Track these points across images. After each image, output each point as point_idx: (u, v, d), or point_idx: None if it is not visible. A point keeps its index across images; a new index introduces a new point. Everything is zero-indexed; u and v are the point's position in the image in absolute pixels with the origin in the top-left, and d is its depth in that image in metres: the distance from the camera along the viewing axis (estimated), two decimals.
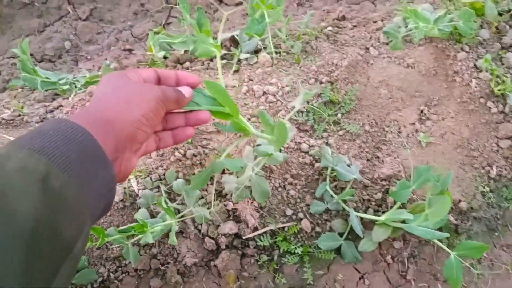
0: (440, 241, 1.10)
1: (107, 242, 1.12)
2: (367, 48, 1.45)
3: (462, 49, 1.34)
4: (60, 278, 0.39)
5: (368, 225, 1.16)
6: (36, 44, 1.98)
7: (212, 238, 1.12)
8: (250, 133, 0.82)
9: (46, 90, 1.62)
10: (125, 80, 0.60)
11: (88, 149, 0.47)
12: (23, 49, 1.55)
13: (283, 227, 1.15)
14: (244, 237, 1.13)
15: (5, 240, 0.35)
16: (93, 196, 0.47)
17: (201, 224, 1.13)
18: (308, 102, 1.29)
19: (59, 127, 0.46)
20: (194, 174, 1.16)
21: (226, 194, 1.15)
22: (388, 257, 1.15)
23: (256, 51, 1.50)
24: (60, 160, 0.42)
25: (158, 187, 1.15)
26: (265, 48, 1.48)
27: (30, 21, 2.06)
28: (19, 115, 1.40)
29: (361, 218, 1.15)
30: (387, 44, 1.45)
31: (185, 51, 1.59)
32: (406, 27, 1.41)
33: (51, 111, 1.41)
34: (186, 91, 0.66)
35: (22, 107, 1.43)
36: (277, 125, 0.80)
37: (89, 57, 1.97)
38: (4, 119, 1.38)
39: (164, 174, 1.16)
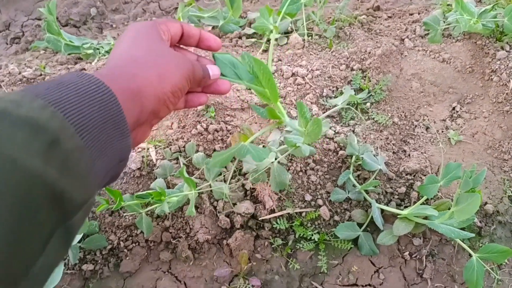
0: (462, 242, 1.07)
1: (120, 209, 1.09)
2: (402, 39, 1.41)
3: (502, 48, 1.29)
4: (53, 244, 0.35)
5: (388, 218, 1.12)
6: (62, 8, 1.95)
7: (227, 216, 1.09)
8: (284, 122, 0.78)
9: (69, 54, 1.60)
10: (157, 41, 0.54)
11: (110, 114, 0.41)
12: (50, 9, 1.52)
13: (301, 212, 1.12)
14: (260, 218, 1.09)
15: (1, 199, 0.30)
16: (105, 166, 0.42)
17: (217, 201, 1.10)
18: (337, 88, 1.25)
19: (81, 81, 0.41)
20: (214, 149, 1.13)
21: (246, 173, 1.12)
22: (406, 253, 1.11)
23: (287, 33, 1.46)
24: (77, 119, 0.37)
25: (177, 158, 1.12)
26: (296, 30, 1.44)
27: None
28: (41, 75, 1.38)
29: (382, 211, 1.11)
30: (423, 37, 1.41)
31: (214, 27, 1.56)
32: (445, 21, 1.36)
33: None
34: (213, 72, 0.61)
35: (44, 67, 1.40)
36: (313, 121, 0.77)
37: (114, 26, 1.94)
38: (25, 77, 1.36)
39: (184, 146, 1.13)
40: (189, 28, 0.61)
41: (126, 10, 1.99)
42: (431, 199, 1.13)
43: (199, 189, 1.03)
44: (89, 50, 1.54)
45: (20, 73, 1.37)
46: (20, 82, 1.34)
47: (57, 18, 1.92)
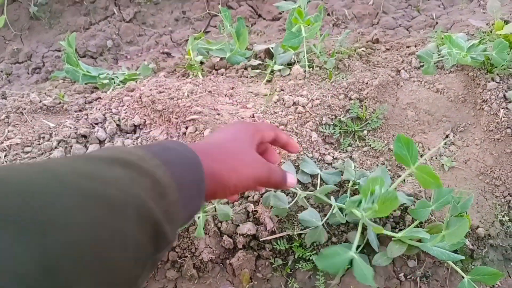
0: (455, 264, 1.11)
1: None
2: (399, 71, 1.49)
3: (492, 79, 1.36)
4: (145, 273, 0.45)
5: (384, 241, 1.17)
6: (80, 40, 2.08)
7: (230, 237, 1.16)
8: None
9: (86, 83, 1.71)
10: (248, 146, 0.66)
11: (197, 180, 0.52)
12: (69, 42, 1.64)
13: (300, 234, 1.18)
14: (261, 239, 1.16)
15: (134, 227, 0.40)
16: (183, 218, 0.52)
17: (221, 222, 1.17)
18: (336, 117, 1.33)
19: (182, 150, 0.53)
20: None
21: (248, 196, 1.19)
22: (401, 275, 1.16)
23: (289, 64, 1.55)
24: (178, 179, 0.48)
25: None
26: (298, 61, 1.53)
27: (77, 18, 2.17)
28: (60, 103, 1.47)
29: (378, 233, 1.17)
30: (418, 68, 1.48)
31: (221, 59, 1.66)
32: (438, 54, 1.44)
33: (90, 102, 1.48)
34: (290, 181, 0.72)
35: (63, 96, 1.50)
36: (387, 196, 0.85)
37: (128, 57, 2.05)
38: (45, 105, 1.46)
39: None
40: (280, 135, 0.76)
41: (140, 42, 2.11)
42: (425, 222, 1.18)
43: (204, 212, 1.10)
44: (104, 80, 1.64)
45: (40, 101, 1.47)
46: (40, 110, 1.44)
47: (75, 50, 2.05)
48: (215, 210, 1.15)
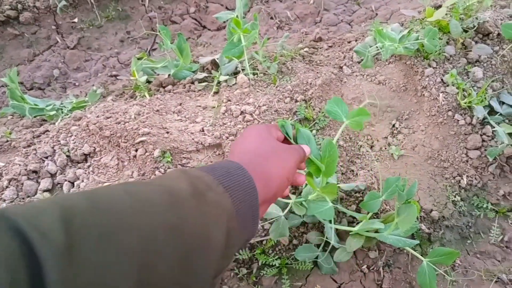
0: (414, 249, 1.14)
1: None
2: (341, 67, 1.52)
3: (429, 65, 1.40)
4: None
5: (343, 236, 1.19)
6: (26, 73, 2.04)
7: None
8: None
9: (35, 116, 1.68)
10: (273, 141, 0.71)
11: (252, 204, 0.56)
12: (11, 78, 1.61)
13: (261, 241, 1.19)
14: None
15: (204, 256, 0.46)
16: (240, 245, 0.56)
17: None
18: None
19: (240, 173, 0.56)
20: None
21: None
22: (364, 267, 1.18)
23: (235, 73, 1.56)
24: (237, 206, 0.52)
25: None
26: (243, 70, 1.54)
27: (20, 51, 2.13)
28: (7, 141, 1.45)
29: (337, 230, 1.19)
30: (359, 62, 1.52)
31: (168, 75, 1.65)
32: (376, 46, 1.48)
33: (38, 136, 1.46)
34: (307, 149, 0.78)
35: (10, 133, 1.47)
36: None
37: (77, 84, 2.03)
38: None
39: None
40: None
41: (87, 67, 2.09)
42: (380, 212, 1.21)
43: None
44: (52, 112, 1.62)
45: None
46: None
47: (22, 83, 2.01)
48: None
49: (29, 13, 2.14)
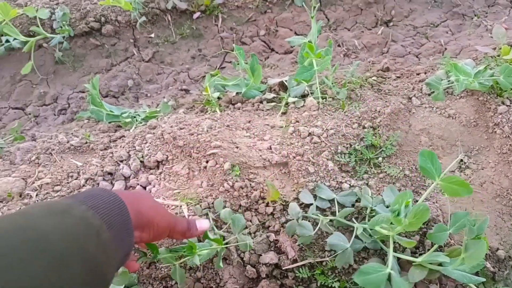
0: (477, 286, 1.12)
1: (156, 262, 1.21)
2: (410, 98, 1.53)
3: (502, 103, 1.39)
4: None
5: (405, 266, 1.19)
6: (103, 81, 2.18)
7: (254, 267, 1.19)
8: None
9: (110, 122, 1.79)
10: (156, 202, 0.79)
11: (124, 219, 0.60)
12: (93, 84, 1.73)
13: (322, 261, 1.20)
14: (283, 268, 1.19)
15: (75, 265, 0.46)
16: (121, 255, 0.59)
17: (244, 252, 1.20)
18: (350, 145, 1.37)
19: (104, 194, 0.61)
20: (240, 205, 1.25)
21: (269, 226, 1.23)
22: None
23: (303, 96, 1.61)
24: (107, 219, 0.56)
25: (207, 214, 1.24)
26: (312, 93, 1.58)
27: (99, 61, 2.28)
28: (86, 143, 1.55)
29: (398, 259, 1.19)
30: (429, 95, 1.53)
31: (237, 93, 1.72)
32: (448, 80, 1.49)
33: (114, 141, 1.55)
34: (201, 225, 0.87)
35: (89, 136, 1.58)
36: (418, 210, 0.92)
37: (148, 95, 2.14)
38: (72, 145, 1.53)
39: (212, 203, 1.25)
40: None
41: (159, 80, 2.21)
42: (444, 246, 1.20)
43: (225, 242, 1.14)
44: (127, 119, 1.72)
45: (68, 141, 1.55)
46: (68, 150, 1.51)
47: (99, 91, 2.15)
48: (237, 241, 1.19)
49: (110, 26, 2.29)
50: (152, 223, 0.69)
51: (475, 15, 2.19)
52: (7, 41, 2.26)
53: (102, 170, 1.39)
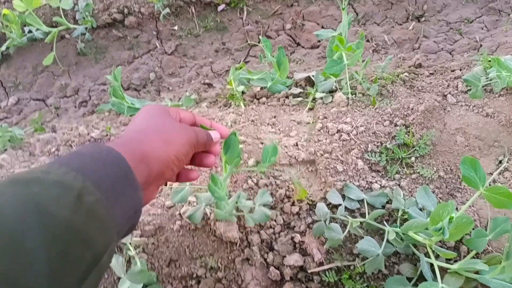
0: None
1: (176, 261, 1.17)
2: (445, 95, 1.45)
3: None
4: (89, 282, 0.43)
5: (439, 272, 1.12)
6: (124, 74, 2.15)
7: (277, 269, 1.14)
8: None
9: (131, 115, 1.75)
10: (165, 116, 0.65)
11: (121, 171, 0.51)
12: (115, 76, 1.69)
13: (349, 265, 1.14)
14: (309, 271, 1.13)
15: (39, 241, 0.38)
16: (121, 215, 0.50)
17: (268, 253, 1.15)
18: (381, 144, 1.30)
19: (95, 150, 0.51)
20: None
21: (294, 226, 1.17)
22: None
23: (331, 91, 1.54)
24: (94, 178, 0.47)
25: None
26: (340, 89, 1.52)
27: (121, 53, 2.25)
28: (107, 135, 1.51)
29: (431, 265, 1.12)
30: (465, 92, 1.44)
31: (262, 88, 1.67)
32: (486, 77, 1.40)
33: None
34: (214, 135, 0.73)
35: (110, 128, 1.54)
36: (461, 222, 0.87)
37: (170, 88, 2.10)
38: (93, 137, 1.50)
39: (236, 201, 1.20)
40: (200, 118, 0.75)
41: (182, 73, 2.16)
42: (481, 253, 1.13)
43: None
44: None
45: (88, 134, 1.51)
46: (88, 142, 1.48)
47: (120, 83, 2.12)
48: (261, 242, 1.14)
49: (133, 18, 2.26)
50: (169, 160, 0.60)
51: None
52: (30, 31, 2.24)
53: None
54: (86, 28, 2.25)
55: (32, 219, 0.38)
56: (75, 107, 2.09)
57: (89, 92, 2.14)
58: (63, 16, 2.18)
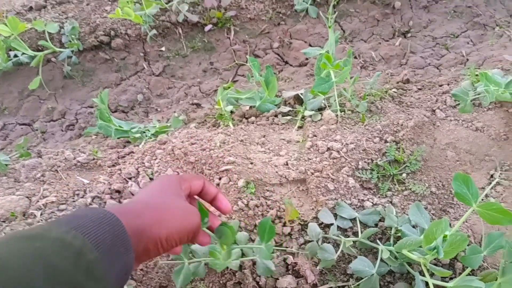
0: None
1: (165, 287, 1.13)
2: (434, 110, 1.45)
3: None
4: None
5: None
6: (112, 96, 2.13)
7: None
8: None
9: (119, 138, 1.72)
10: (174, 194, 0.66)
11: (117, 234, 0.52)
12: (102, 99, 1.67)
13: (343, 286, 1.11)
14: None
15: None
16: (115, 275, 0.51)
17: (260, 277, 1.12)
18: (372, 161, 1.29)
19: (92, 213, 0.53)
20: (255, 224, 1.17)
21: (287, 247, 1.15)
22: None
23: (320, 109, 1.53)
24: (93, 238, 0.48)
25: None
26: (329, 106, 1.51)
27: (108, 75, 2.23)
28: (93, 159, 1.49)
29: (426, 283, 1.09)
30: (454, 107, 1.44)
31: (251, 107, 1.65)
32: (474, 91, 1.40)
33: (123, 157, 1.49)
34: (207, 240, 0.74)
35: (97, 152, 1.52)
36: (456, 241, 0.85)
37: (159, 109, 2.09)
38: (79, 161, 1.47)
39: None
40: (209, 186, 0.76)
41: (170, 94, 2.15)
42: (476, 269, 1.11)
43: (239, 266, 1.06)
44: (136, 134, 1.66)
45: (75, 158, 1.48)
46: (75, 166, 1.45)
47: (107, 106, 2.10)
48: (253, 264, 1.11)
49: (120, 40, 2.25)
50: (158, 240, 0.59)
51: (497, 25, 2.11)
52: (16, 55, 2.22)
53: (109, 188, 1.32)
54: (72, 51, 2.23)
55: (38, 270, 0.40)
56: (62, 130, 2.06)
57: (76, 115, 2.12)
58: (49, 40, 2.17)
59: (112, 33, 2.25)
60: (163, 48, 2.26)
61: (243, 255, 1.11)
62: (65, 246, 0.45)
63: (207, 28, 2.24)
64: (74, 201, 1.30)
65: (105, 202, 1.30)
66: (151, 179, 1.34)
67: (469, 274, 1.05)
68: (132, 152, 1.51)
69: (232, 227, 0.80)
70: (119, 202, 1.30)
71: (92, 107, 2.14)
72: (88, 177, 1.41)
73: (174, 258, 1.09)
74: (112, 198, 1.31)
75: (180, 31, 2.26)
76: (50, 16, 2.31)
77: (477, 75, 1.43)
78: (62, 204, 1.29)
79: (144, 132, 1.71)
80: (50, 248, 0.43)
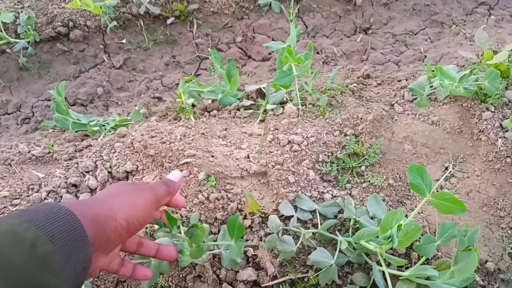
0: None
1: (123, 282, 1.11)
2: (392, 105, 1.48)
3: (487, 109, 1.35)
4: None
5: (391, 280, 1.12)
6: (70, 89, 2.07)
7: (230, 285, 1.10)
8: None
9: (77, 131, 1.68)
10: (128, 184, 0.69)
11: (73, 228, 0.52)
12: (58, 91, 1.62)
13: (303, 277, 1.12)
14: (263, 285, 1.10)
15: None
16: (73, 270, 0.50)
17: (220, 269, 1.11)
18: (332, 153, 1.31)
19: (46, 207, 0.52)
20: (216, 218, 1.16)
21: (247, 240, 1.14)
22: None
23: (282, 103, 1.54)
24: (47, 231, 0.48)
25: (179, 227, 1.14)
26: (291, 100, 1.52)
27: (66, 67, 2.16)
28: (49, 152, 1.44)
29: (383, 273, 1.12)
30: (411, 101, 1.48)
31: (213, 100, 1.64)
32: (431, 86, 1.44)
33: (80, 150, 1.45)
34: (175, 175, 0.77)
35: (52, 145, 1.47)
36: (410, 231, 0.89)
37: (119, 103, 2.04)
38: (34, 155, 1.42)
39: (186, 216, 1.16)
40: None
41: (131, 88, 2.11)
42: (431, 259, 1.14)
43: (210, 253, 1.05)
44: (95, 127, 1.62)
45: (29, 151, 1.43)
46: (29, 160, 1.40)
47: (65, 98, 2.03)
48: (213, 257, 1.10)
49: (79, 31, 2.19)
50: (117, 225, 0.60)
51: (454, 23, 2.18)
52: None
53: (66, 182, 1.29)
54: (28, 42, 2.15)
55: None
56: (17, 124, 1.99)
57: (32, 108, 2.05)
58: (3, 30, 2.08)
59: (71, 24, 2.18)
60: (124, 41, 2.21)
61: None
62: (17, 238, 0.44)
63: (169, 21, 2.21)
64: (28, 196, 1.25)
65: (61, 197, 1.26)
66: (109, 172, 1.31)
67: (424, 263, 1.08)
68: (90, 145, 1.47)
69: (203, 227, 0.83)
70: (76, 196, 1.27)
71: (49, 100, 2.07)
72: (43, 171, 1.37)
73: (137, 258, 1.07)
74: (68, 192, 1.27)
75: (142, 24, 2.22)
76: (5, 5, 2.22)
77: (433, 70, 1.47)
78: (16, 199, 1.24)
79: (104, 125, 1.67)
80: (1, 240, 0.43)
